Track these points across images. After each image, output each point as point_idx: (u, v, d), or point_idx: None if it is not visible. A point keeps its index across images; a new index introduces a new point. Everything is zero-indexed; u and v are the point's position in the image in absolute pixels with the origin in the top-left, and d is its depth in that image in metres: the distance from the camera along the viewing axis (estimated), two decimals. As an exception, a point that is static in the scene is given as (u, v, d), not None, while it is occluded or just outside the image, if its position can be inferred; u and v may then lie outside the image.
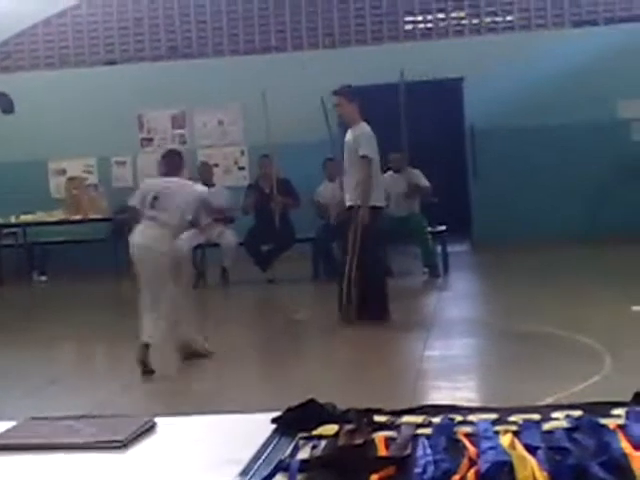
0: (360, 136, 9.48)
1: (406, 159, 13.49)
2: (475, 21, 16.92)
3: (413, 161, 13.59)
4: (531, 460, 1.77)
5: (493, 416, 2.10)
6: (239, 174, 16.98)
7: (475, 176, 16.58)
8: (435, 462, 1.80)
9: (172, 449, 2.10)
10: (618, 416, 2.05)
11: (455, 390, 6.53)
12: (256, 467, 1.86)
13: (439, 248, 13.41)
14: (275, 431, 2.09)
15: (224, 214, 12.24)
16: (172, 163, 8.22)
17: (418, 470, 1.77)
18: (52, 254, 15.82)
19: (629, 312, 8.93)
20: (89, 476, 1.95)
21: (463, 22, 16.98)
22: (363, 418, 2.10)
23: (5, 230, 15.86)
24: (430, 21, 17.04)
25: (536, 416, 2.08)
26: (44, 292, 14.88)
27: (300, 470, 1.80)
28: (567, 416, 2.07)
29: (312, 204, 13.76)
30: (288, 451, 1.94)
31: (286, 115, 15.25)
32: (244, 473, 1.83)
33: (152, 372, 7.37)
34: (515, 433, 1.96)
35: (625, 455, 1.78)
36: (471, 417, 2.10)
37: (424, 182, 13.43)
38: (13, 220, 15.61)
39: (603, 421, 2.00)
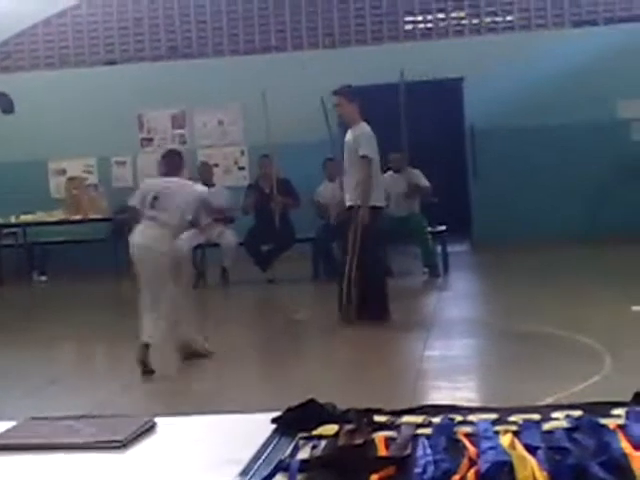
0: (360, 136, 9.48)
1: (406, 159, 13.49)
2: (475, 21, 16.92)
3: (413, 161, 13.59)
4: (531, 460, 1.77)
5: (493, 416, 2.10)
6: (239, 174, 16.98)
7: (475, 176, 16.58)
8: (435, 462, 1.80)
9: (172, 449, 2.10)
10: (618, 416, 2.05)
11: (455, 390, 6.53)
12: (256, 467, 1.86)
13: (439, 248, 13.41)
14: (275, 431, 2.09)
15: (224, 214, 12.24)
16: (172, 163, 8.20)
17: (418, 470, 1.77)
18: (52, 254, 15.82)
19: (629, 312, 8.93)
20: (89, 476, 1.95)
21: (463, 22, 16.98)
22: (363, 418, 2.10)
23: (5, 230, 15.86)
24: (430, 21, 17.04)
25: (536, 416, 2.08)
26: (44, 292, 14.88)
27: (300, 470, 1.80)
28: (567, 416, 2.07)
29: (312, 204, 13.75)
30: (288, 451, 1.94)
31: (286, 115, 15.25)
32: (244, 473, 1.83)
33: (152, 372, 7.37)
34: (515, 433, 1.96)
35: (625, 455, 1.78)
36: (471, 417, 2.10)
37: (424, 182, 13.43)
38: (13, 220, 15.61)
39: (603, 421, 2.00)
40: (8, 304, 13.55)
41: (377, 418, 2.12)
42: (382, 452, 1.91)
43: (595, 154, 15.85)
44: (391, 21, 17.03)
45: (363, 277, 9.40)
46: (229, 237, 13.53)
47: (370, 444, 1.94)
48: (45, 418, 2.38)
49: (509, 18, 16.83)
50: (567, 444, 1.87)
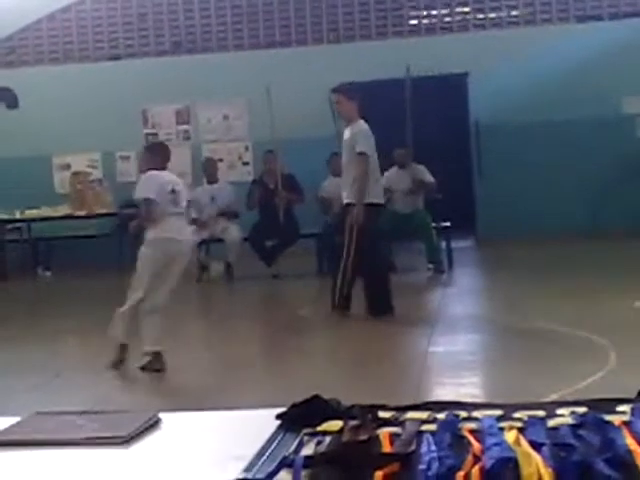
0: (358, 134, 9.50)
1: (411, 155, 13.46)
2: (480, 16, 16.90)
3: (417, 156, 13.57)
4: (536, 457, 1.77)
5: (498, 412, 2.09)
6: (243, 169, 16.98)
7: (480, 172, 16.57)
8: (440, 458, 1.80)
9: (176, 445, 2.10)
10: (623, 412, 2.04)
11: (459, 386, 6.53)
12: (260, 463, 1.86)
13: (443, 244, 13.40)
14: (279, 427, 2.09)
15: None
16: (163, 156, 7.84)
17: (422, 466, 1.77)
18: (57, 249, 15.83)
19: (633, 308, 8.92)
20: (93, 472, 1.95)
21: (468, 17, 16.96)
22: (367, 414, 2.10)
23: (10, 225, 15.86)
24: (435, 16, 17.03)
25: (541, 412, 2.08)
26: (49, 287, 14.90)
27: (304, 466, 1.79)
28: (572, 412, 2.07)
29: (316, 199, 13.75)
30: (292, 447, 1.94)
31: (291, 110, 15.25)
32: (248, 469, 1.82)
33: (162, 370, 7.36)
34: (520, 429, 1.96)
35: (630, 451, 1.78)
36: (476, 413, 2.10)
37: (429, 178, 13.42)
38: (18, 215, 15.61)
39: (608, 418, 2.00)
40: (13, 299, 13.56)
41: (382, 414, 2.11)
42: (386, 448, 1.90)
43: (600, 150, 15.84)
44: (396, 16, 17.02)
45: (362, 274, 9.46)
46: (233, 232, 13.53)
47: (374, 440, 1.94)
48: (50, 413, 2.38)
49: (514, 13, 16.81)
50: (572, 441, 1.87)
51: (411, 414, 2.11)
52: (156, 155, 7.85)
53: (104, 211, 15.33)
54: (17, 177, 16.67)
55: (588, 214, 15.91)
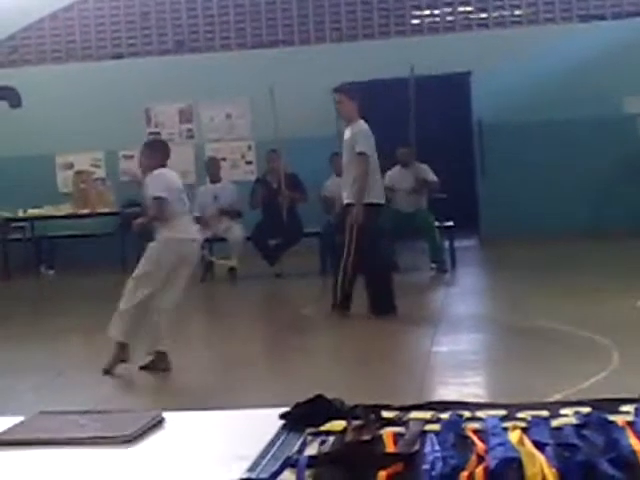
0: (358, 134, 9.52)
1: (414, 154, 13.45)
2: (483, 15, 16.90)
3: (420, 155, 13.57)
4: (540, 457, 1.77)
5: (501, 412, 2.09)
6: (246, 168, 16.99)
7: (482, 171, 16.57)
8: (443, 458, 1.79)
9: (179, 444, 2.10)
10: (627, 412, 2.04)
11: (463, 386, 6.53)
12: (264, 463, 1.86)
13: (446, 243, 13.40)
14: (283, 427, 2.09)
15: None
16: (164, 153, 7.82)
17: (426, 466, 1.77)
18: (59, 248, 15.84)
19: (636, 307, 8.92)
20: (96, 471, 1.95)
21: (471, 16, 16.96)
22: (371, 414, 2.09)
23: (13, 224, 15.89)
24: (437, 15, 17.03)
25: (545, 412, 2.08)
26: (52, 286, 14.91)
27: (308, 466, 1.79)
28: (576, 412, 2.06)
29: (319, 199, 13.74)
30: (296, 447, 1.94)
31: (294, 109, 15.25)
32: (252, 469, 1.82)
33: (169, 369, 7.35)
34: (524, 429, 1.96)
35: (634, 452, 1.78)
36: (479, 413, 2.09)
37: (432, 177, 13.41)
38: (21, 214, 15.64)
39: (612, 418, 2.00)
40: (16, 297, 13.57)
41: (385, 414, 2.11)
42: (390, 448, 1.90)
43: (602, 149, 15.84)
44: (398, 15, 17.02)
45: (364, 273, 9.48)
46: (237, 232, 13.54)
47: (378, 440, 1.94)
48: (53, 413, 2.38)
49: (517, 12, 16.81)
50: (576, 441, 1.87)
51: (415, 414, 2.11)
52: (156, 152, 7.81)
53: (107, 210, 15.34)
54: (20, 176, 16.68)
55: (590, 214, 15.91)
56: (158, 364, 7.28)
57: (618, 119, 15.93)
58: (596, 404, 2.12)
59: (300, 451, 1.91)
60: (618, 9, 16.44)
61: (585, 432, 1.93)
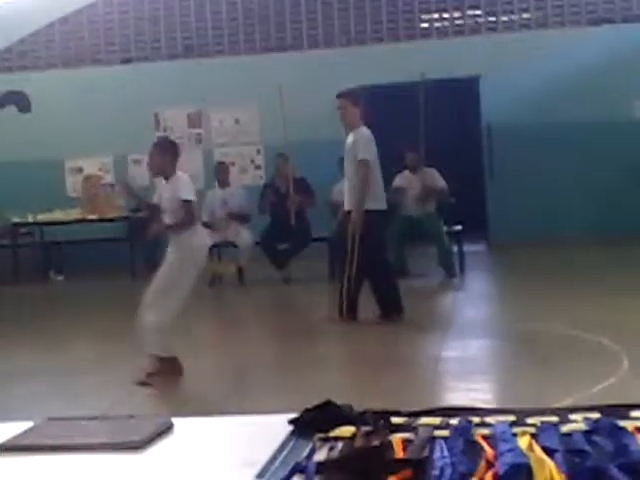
0: (359, 140, 9.51)
1: (422, 159, 13.42)
2: (492, 19, 16.89)
3: (429, 159, 13.55)
4: (549, 463, 1.76)
5: (511, 418, 2.09)
6: (255, 173, 17.01)
7: (491, 175, 16.55)
8: (453, 464, 1.79)
9: (189, 450, 2.10)
10: (637, 418, 2.03)
11: (472, 391, 6.52)
12: (273, 469, 1.85)
13: (455, 248, 13.38)
14: (292, 432, 2.09)
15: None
16: (175, 153, 7.66)
17: (435, 472, 1.76)
18: (69, 253, 15.86)
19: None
20: (106, 477, 1.95)
21: (479, 20, 16.95)
22: (380, 420, 2.09)
23: (22, 229, 15.92)
24: (446, 19, 17.02)
25: (554, 418, 2.07)
26: (61, 291, 14.92)
27: (317, 472, 1.79)
28: (585, 418, 2.06)
29: (328, 203, 13.72)
30: (305, 453, 1.94)
31: (302, 113, 15.26)
32: (261, 474, 1.82)
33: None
34: (533, 435, 1.96)
35: (644, 458, 1.78)
36: (489, 419, 2.09)
37: (441, 182, 13.38)
38: (30, 219, 15.66)
39: (622, 423, 1.99)
40: (25, 303, 13.58)
41: (394, 420, 2.11)
42: (399, 454, 1.90)
43: (612, 153, 15.82)
44: (407, 19, 17.02)
45: (368, 278, 9.48)
46: (245, 236, 13.54)
47: (387, 446, 1.93)
48: (62, 419, 2.38)
49: (525, 16, 16.79)
50: (585, 447, 1.86)
51: (424, 420, 2.11)
52: (166, 151, 7.64)
53: (116, 215, 15.36)
54: (29, 181, 16.72)
55: (600, 218, 15.88)
56: (166, 370, 7.26)
57: (629, 123, 15.91)
58: (606, 410, 2.12)
59: (309, 457, 1.90)
60: (628, 12, 16.42)
61: (595, 438, 1.92)
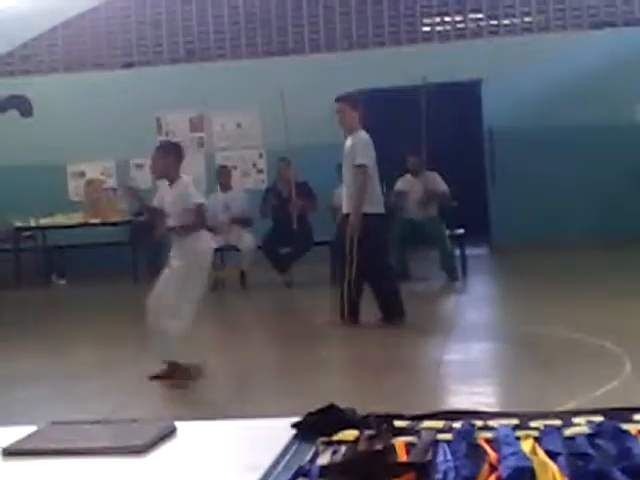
0: (357, 144, 9.50)
1: (424, 163, 13.40)
2: (493, 22, 16.89)
3: (431, 163, 13.54)
4: (552, 466, 1.76)
5: (514, 421, 2.09)
6: (257, 177, 17.01)
7: (493, 179, 16.54)
8: (456, 468, 1.79)
9: (192, 454, 2.10)
10: (639, 422, 2.04)
11: (474, 395, 6.51)
12: (276, 473, 1.86)
13: (457, 251, 13.37)
14: (295, 436, 2.09)
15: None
16: (179, 156, 7.60)
17: (439, 476, 1.77)
18: (71, 257, 15.85)
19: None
20: (109, 481, 1.95)
21: (481, 24, 16.95)
22: (383, 423, 2.09)
23: (24, 233, 15.91)
24: (448, 23, 17.02)
25: (557, 422, 2.07)
26: (63, 295, 14.91)
27: (320, 476, 1.79)
28: (588, 422, 2.06)
29: (330, 207, 13.71)
30: (308, 457, 1.94)
31: (304, 117, 15.25)
32: (264, 479, 1.82)
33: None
34: (536, 439, 1.96)
35: (647, 461, 1.77)
36: (492, 422, 2.09)
37: (442, 186, 13.36)
38: (32, 223, 15.65)
39: (624, 426, 1.99)
40: (27, 307, 13.57)
41: (397, 423, 2.11)
42: (402, 458, 1.90)
43: (613, 157, 15.80)
44: (409, 23, 17.02)
45: (369, 282, 9.47)
46: (247, 240, 13.53)
47: (390, 450, 1.93)
48: (66, 423, 2.38)
49: (527, 19, 16.79)
50: (589, 450, 1.86)
51: (427, 423, 2.11)
52: (169, 154, 7.61)
53: (118, 219, 15.34)
54: (32, 185, 16.72)
55: (603, 222, 15.86)
56: (171, 374, 7.26)
57: (630, 126, 15.89)
58: (609, 413, 2.12)
59: (312, 461, 1.91)
60: (629, 16, 16.41)
61: (598, 441, 1.92)
